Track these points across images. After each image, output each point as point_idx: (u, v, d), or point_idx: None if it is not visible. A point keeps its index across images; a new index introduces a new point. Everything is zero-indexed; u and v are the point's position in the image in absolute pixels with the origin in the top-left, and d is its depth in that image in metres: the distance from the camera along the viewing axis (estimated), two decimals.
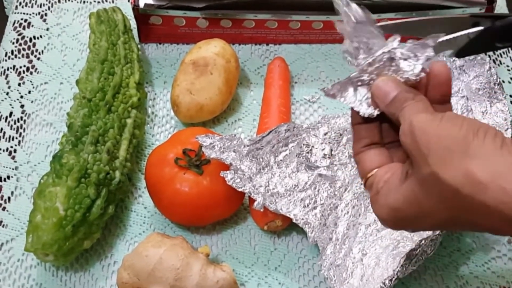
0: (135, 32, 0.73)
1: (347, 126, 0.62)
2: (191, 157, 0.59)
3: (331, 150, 0.61)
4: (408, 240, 0.56)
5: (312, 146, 0.61)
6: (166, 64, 0.74)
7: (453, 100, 0.63)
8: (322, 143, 0.62)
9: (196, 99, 0.66)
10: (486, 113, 0.62)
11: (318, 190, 0.60)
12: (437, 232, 0.56)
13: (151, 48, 0.75)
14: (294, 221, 0.58)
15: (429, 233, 0.56)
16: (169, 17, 0.72)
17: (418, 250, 0.55)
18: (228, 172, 0.58)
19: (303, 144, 0.61)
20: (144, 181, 0.62)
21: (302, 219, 0.58)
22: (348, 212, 0.59)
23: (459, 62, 0.64)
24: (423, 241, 0.55)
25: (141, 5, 0.70)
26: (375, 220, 0.59)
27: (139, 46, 0.73)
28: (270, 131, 0.60)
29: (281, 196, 0.59)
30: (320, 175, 0.60)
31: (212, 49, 0.68)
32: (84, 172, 0.57)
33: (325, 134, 0.62)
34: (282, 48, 0.75)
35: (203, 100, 0.66)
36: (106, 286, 0.59)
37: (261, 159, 0.60)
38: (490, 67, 0.63)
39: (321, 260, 0.56)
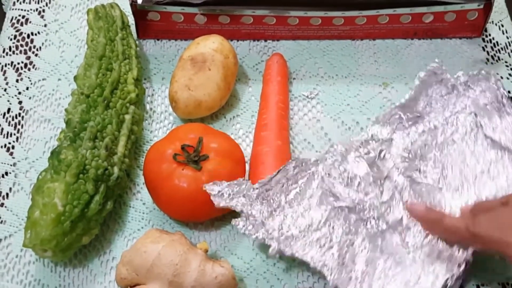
0: (133, 28, 0.73)
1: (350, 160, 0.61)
2: (190, 153, 0.59)
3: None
4: (430, 274, 0.54)
5: (334, 177, 0.59)
6: (164, 60, 0.74)
7: (461, 117, 0.62)
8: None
9: (194, 95, 0.66)
10: (497, 128, 0.61)
11: (333, 227, 0.57)
12: (461, 268, 0.54)
13: (149, 44, 0.75)
14: (311, 265, 0.55)
15: (454, 269, 0.54)
16: (167, 13, 0.72)
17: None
18: (239, 219, 0.57)
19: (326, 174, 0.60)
20: (143, 177, 0.62)
21: (320, 261, 0.55)
22: (365, 247, 0.56)
23: (463, 78, 0.64)
24: (448, 280, 0.53)
25: (139, 1, 0.70)
26: (392, 252, 0.56)
27: (137, 42, 0.72)
28: (279, 171, 0.58)
29: (295, 239, 0.56)
30: (341, 207, 0.58)
31: (210, 45, 0.68)
32: (83, 168, 0.57)
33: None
34: (280, 44, 0.75)
35: (201, 96, 0.66)
36: (104, 282, 0.59)
37: (271, 200, 0.58)
38: (496, 80, 0.63)
39: None
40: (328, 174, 0.59)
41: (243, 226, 0.56)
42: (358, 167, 0.60)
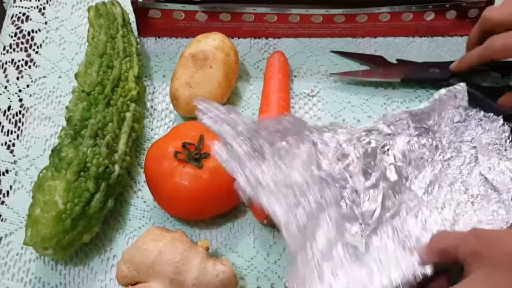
0: (134, 26, 0.73)
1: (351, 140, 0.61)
2: (191, 150, 0.59)
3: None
4: (383, 275, 0.53)
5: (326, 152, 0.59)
6: (165, 58, 0.74)
7: (464, 147, 0.62)
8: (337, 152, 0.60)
9: (195, 93, 0.66)
10: (493, 169, 0.61)
11: (305, 192, 0.56)
12: (417, 277, 0.53)
13: (150, 42, 0.75)
14: (272, 217, 0.54)
15: (408, 275, 0.53)
16: (168, 10, 0.72)
17: None
18: (216, 142, 0.54)
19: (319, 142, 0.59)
20: (144, 175, 0.62)
21: (282, 217, 0.54)
22: (329, 225, 0.55)
23: (480, 114, 0.64)
24: (400, 285, 0.53)
25: None
26: (354, 242, 0.56)
27: (138, 39, 0.72)
28: (273, 118, 0.57)
29: (265, 187, 0.54)
30: (320, 177, 0.58)
31: (211, 42, 0.68)
32: (83, 166, 0.57)
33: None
34: (282, 41, 0.75)
35: (202, 94, 0.66)
36: (105, 280, 0.59)
37: (255, 142, 0.56)
38: (503, 124, 0.63)
39: (290, 268, 0.53)
40: (324, 142, 0.59)
41: (220, 150, 0.53)
42: (354, 150, 0.59)
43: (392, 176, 0.59)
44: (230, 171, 0.53)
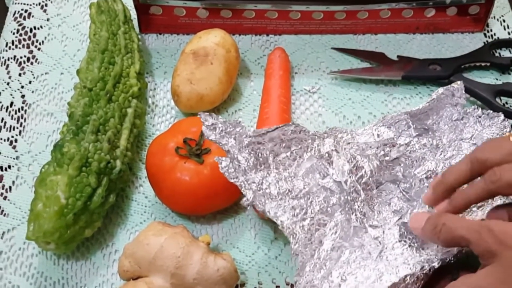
0: (135, 23, 0.73)
1: (352, 143, 0.61)
2: (192, 146, 0.59)
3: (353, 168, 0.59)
4: (392, 274, 0.54)
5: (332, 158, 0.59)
6: (166, 54, 0.74)
7: (465, 145, 0.62)
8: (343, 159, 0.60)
9: (196, 89, 0.66)
10: None
11: (311, 201, 0.57)
12: (425, 270, 0.53)
13: (151, 38, 0.75)
14: (280, 228, 0.55)
15: (416, 270, 0.53)
16: (169, 7, 0.72)
17: (401, 286, 0.53)
18: (223, 158, 0.55)
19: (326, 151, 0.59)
20: (145, 171, 0.62)
21: (289, 228, 0.55)
22: (336, 232, 0.56)
23: (479, 112, 0.63)
24: (407, 277, 0.53)
25: None
26: (361, 246, 0.56)
27: (139, 36, 0.73)
28: (277, 128, 0.57)
29: (272, 199, 0.56)
30: (324, 187, 0.58)
31: (212, 39, 0.68)
32: (85, 161, 0.57)
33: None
34: (282, 38, 0.75)
35: (203, 90, 0.66)
36: (107, 275, 0.59)
37: (259, 155, 0.57)
38: (504, 119, 0.63)
39: (297, 276, 0.54)
40: (336, 151, 0.59)
41: (225, 166, 0.55)
42: (369, 163, 0.59)
43: (400, 181, 0.60)
44: (239, 186, 0.55)
